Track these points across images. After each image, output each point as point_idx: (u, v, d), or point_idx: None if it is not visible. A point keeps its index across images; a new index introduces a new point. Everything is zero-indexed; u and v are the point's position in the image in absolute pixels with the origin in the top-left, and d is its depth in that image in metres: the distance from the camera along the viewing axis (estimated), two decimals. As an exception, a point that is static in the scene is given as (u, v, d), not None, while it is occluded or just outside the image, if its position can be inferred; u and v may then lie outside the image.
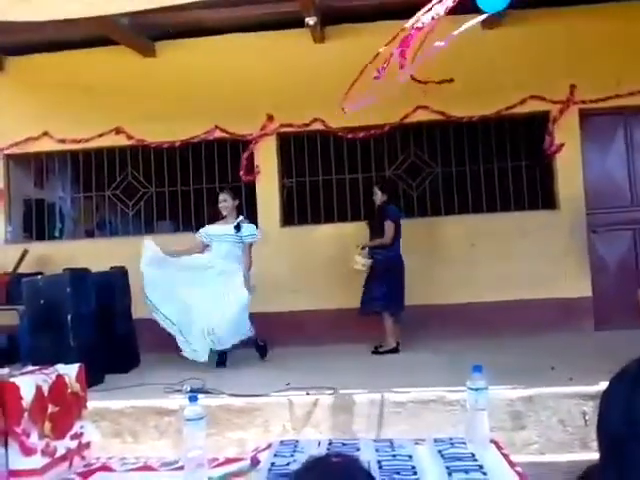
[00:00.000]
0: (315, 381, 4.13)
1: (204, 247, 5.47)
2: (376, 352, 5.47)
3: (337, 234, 6.39)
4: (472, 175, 6.53)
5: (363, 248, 5.57)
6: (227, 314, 5.01)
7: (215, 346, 5.09)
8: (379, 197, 5.69)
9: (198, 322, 5.05)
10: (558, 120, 6.23)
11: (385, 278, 5.46)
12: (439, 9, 2.85)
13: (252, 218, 5.96)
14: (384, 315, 5.47)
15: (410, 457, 1.78)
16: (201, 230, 5.55)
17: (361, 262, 5.52)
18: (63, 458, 1.82)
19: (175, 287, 5.14)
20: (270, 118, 6.47)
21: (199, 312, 5.07)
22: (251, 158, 6.57)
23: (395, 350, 5.44)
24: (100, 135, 6.59)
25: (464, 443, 1.90)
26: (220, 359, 5.21)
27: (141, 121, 6.50)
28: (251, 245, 5.37)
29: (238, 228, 5.28)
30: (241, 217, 5.43)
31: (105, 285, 5.29)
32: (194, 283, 5.14)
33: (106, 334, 5.07)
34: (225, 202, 5.44)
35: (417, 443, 1.96)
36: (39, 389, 1.75)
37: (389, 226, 5.50)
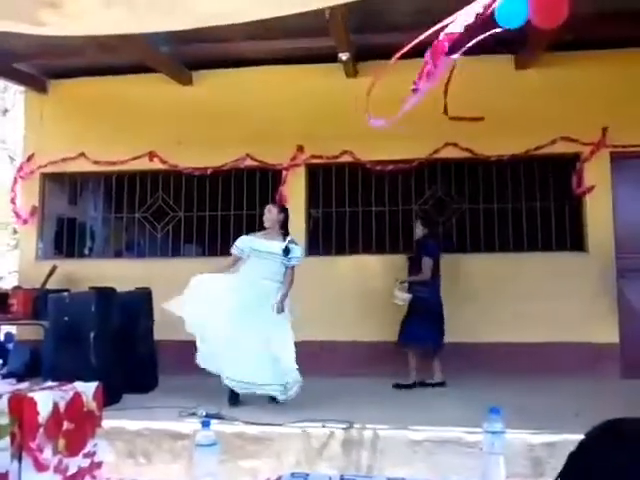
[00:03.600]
0: (332, 414, 4.08)
1: (236, 262, 4.94)
2: (397, 386, 5.43)
3: (361, 266, 6.40)
4: (500, 213, 6.49)
5: (402, 283, 5.56)
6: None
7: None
8: (420, 231, 5.66)
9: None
10: (589, 162, 6.18)
11: (424, 317, 5.44)
12: (467, 17, 2.80)
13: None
14: (411, 352, 5.48)
15: (421, 498, 1.75)
16: (242, 241, 4.94)
17: (401, 297, 5.50)
18: (74, 476, 1.82)
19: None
20: (300, 149, 6.56)
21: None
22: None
23: (425, 385, 5.45)
24: (134, 158, 6.76)
25: (478, 487, 1.86)
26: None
27: (174, 146, 6.67)
28: (294, 267, 4.94)
29: (287, 252, 4.83)
30: (290, 237, 4.93)
31: (129, 305, 5.35)
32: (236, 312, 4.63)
33: (127, 354, 5.11)
34: (269, 213, 4.96)
35: (430, 484, 1.92)
36: (56, 405, 1.76)
37: (426, 262, 5.47)
